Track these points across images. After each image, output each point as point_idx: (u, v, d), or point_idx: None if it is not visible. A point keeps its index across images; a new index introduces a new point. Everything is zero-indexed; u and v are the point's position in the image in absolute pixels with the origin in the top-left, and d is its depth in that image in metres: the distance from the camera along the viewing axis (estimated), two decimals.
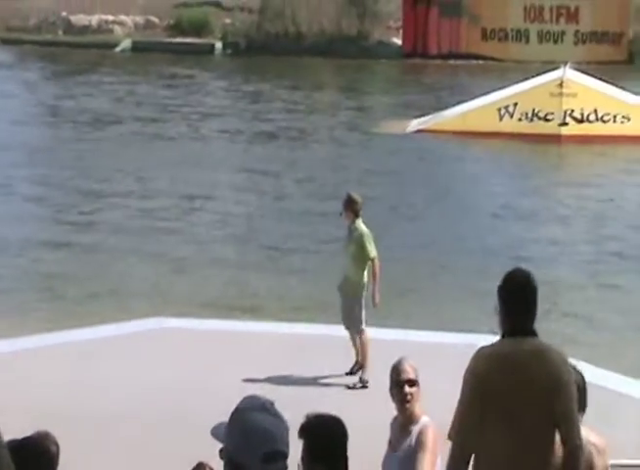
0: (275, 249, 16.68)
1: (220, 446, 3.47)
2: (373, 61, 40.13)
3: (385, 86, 37.65)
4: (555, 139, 25.81)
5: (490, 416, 5.24)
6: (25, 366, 10.62)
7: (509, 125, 25.89)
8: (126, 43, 45.17)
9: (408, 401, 6.06)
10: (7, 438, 3.79)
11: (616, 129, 25.98)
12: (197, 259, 15.99)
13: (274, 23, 44.58)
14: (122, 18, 47.17)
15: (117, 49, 44.55)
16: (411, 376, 6.11)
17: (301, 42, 43.44)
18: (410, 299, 14.25)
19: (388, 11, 44.35)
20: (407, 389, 6.06)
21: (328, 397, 10.02)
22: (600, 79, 27.08)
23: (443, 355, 10.53)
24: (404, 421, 6.15)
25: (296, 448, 4.02)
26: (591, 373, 8.35)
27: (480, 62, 40.93)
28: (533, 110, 26.08)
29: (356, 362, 10.82)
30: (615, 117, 26.14)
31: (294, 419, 3.83)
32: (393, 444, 6.20)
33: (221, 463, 3.48)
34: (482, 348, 5.45)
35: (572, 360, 5.53)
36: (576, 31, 41.38)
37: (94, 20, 47.11)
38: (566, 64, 27.32)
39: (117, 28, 46.83)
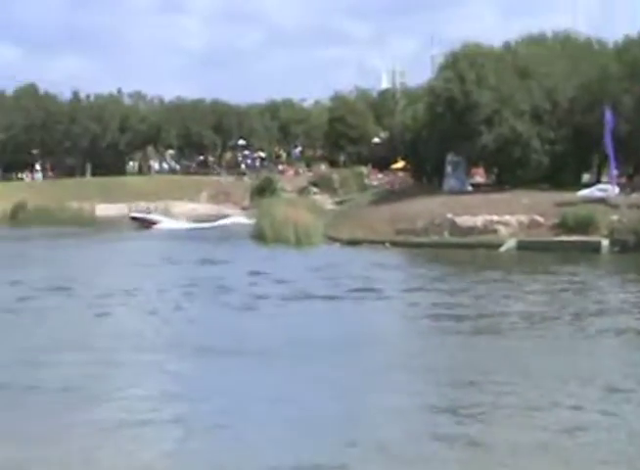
0: None
1: None
2: None
3: None
4: None
5: None
6: None
7: None
8: (511, 242, 45.44)
9: None
10: None
11: None
12: None
13: None
14: (507, 218, 47.66)
15: (502, 249, 44.81)
16: None
17: None
18: None
19: None
20: None
21: None
22: None
23: None
24: None
25: None
26: None
27: None
28: None
29: None
30: None
31: None
32: None
33: None
34: None
35: None
36: None
37: (479, 220, 47.98)
38: None
39: (502, 228, 47.30)
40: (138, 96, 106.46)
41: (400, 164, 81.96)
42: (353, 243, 48.92)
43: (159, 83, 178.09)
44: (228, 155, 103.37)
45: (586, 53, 58.51)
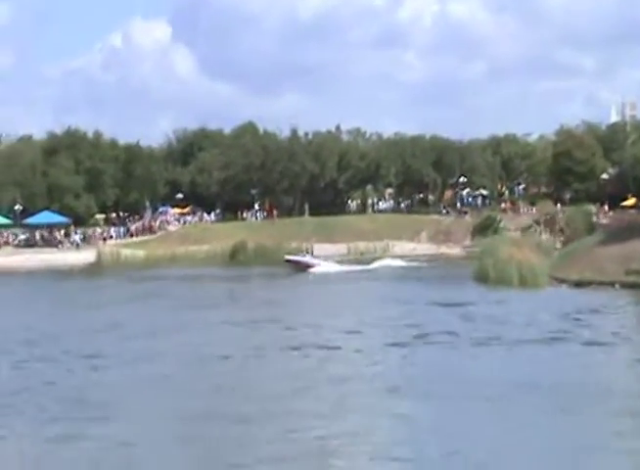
0: None
1: None
2: None
3: None
4: None
5: None
6: None
7: None
8: None
9: None
10: None
11: None
12: None
13: None
14: None
15: None
16: None
17: None
18: None
19: None
20: None
21: None
22: None
23: None
24: None
25: None
26: None
27: None
28: None
29: None
30: None
31: None
32: None
33: None
34: None
35: None
36: None
37: None
38: None
39: None
40: (357, 133, 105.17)
41: (631, 202, 77.56)
42: (581, 284, 46.13)
43: (377, 119, 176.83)
44: (448, 192, 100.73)
45: None
